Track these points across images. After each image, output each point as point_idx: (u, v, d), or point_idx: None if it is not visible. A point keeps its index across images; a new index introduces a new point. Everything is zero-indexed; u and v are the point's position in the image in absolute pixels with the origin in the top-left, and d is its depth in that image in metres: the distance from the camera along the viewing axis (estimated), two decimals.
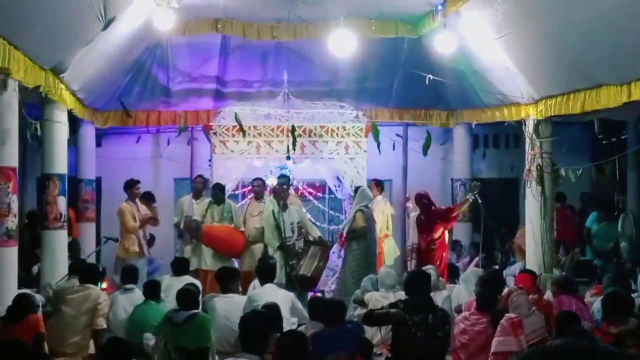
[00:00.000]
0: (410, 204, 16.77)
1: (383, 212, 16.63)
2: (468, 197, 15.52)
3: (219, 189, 15.61)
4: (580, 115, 13.37)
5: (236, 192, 17.92)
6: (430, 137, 16.23)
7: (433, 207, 15.36)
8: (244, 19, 16.68)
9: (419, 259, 15.02)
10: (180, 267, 12.68)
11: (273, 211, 14.49)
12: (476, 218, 17.70)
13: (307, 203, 18.59)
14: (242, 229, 15.22)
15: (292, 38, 17.14)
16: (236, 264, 15.02)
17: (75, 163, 18.19)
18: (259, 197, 15.60)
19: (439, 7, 14.90)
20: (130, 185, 15.91)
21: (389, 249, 16.67)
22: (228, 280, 11.04)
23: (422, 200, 15.33)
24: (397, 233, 19.65)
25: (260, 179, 15.93)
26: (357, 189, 15.52)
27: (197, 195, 16.04)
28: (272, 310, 9.44)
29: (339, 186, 17.50)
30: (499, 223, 19.13)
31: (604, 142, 15.87)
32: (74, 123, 16.67)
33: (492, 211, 18.09)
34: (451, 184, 19.79)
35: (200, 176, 16.70)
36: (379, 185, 16.89)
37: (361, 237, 14.69)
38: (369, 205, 15.33)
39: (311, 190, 19.07)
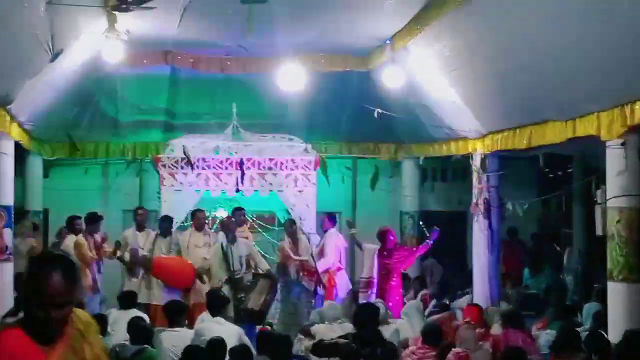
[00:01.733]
0: (355, 230, 16.83)
1: (335, 245, 16.60)
2: (352, 231, 15.84)
3: (166, 221, 15.51)
4: (527, 150, 13.49)
5: (185, 224, 17.78)
6: (378, 171, 16.33)
7: (398, 245, 15.66)
8: (194, 52, 16.64)
9: (379, 292, 15.18)
10: (127, 300, 12.55)
11: (222, 244, 14.42)
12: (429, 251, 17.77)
13: (256, 235, 18.53)
14: (190, 260, 15.11)
15: (241, 71, 17.14)
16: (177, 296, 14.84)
17: (22, 194, 17.96)
18: (200, 228, 15.52)
19: (388, 42, 14.98)
20: (70, 222, 15.76)
21: (341, 282, 16.61)
22: (175, 314, 10.94)
23: (389, 236, 15.58)
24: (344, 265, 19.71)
25: (202, 211, 15.85)
26: (288, 221, 15.75)
27: (140, 227, 15.91)
28: (217, 345, 9.37)
29: (288, 218, 17.48)
30: (448, 256, 19.23)
31: (550, 175, 16.03)
32: (21, 153, 16.51)
33: (440, 244, 18.20)
34: (400, 217, 19.80)
35: (141, 208, 16.61)
36: (331, 218, 16.81)
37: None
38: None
39: (260, 222, 19.02)
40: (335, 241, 16.66)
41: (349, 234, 16.63)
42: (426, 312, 14.69)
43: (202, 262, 14.95)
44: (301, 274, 15.39)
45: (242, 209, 16.36)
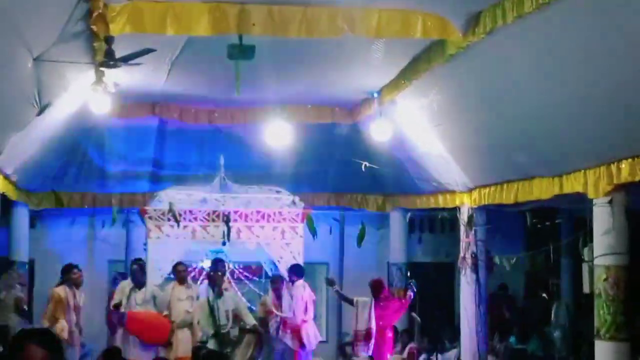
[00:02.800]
0: (337, 287, 16.76)
1: (302, 297, 16.36)
2: (334, 289, 15.86)
3: (139, 270, 15.32)
4: (514, 205, 13.51)
5: (171, 276, 17.65)
6: (365, 228, 16.35)
7: (389, 296, 15.65)
8: (181, 103, 16.65)
9: (376, 346, 15.14)
10: (111, 357, 12.36)
11: (208, 298, 14.32)
12: (411, 304, 17.67)
13: (243, 286, 18.44)
14: (166, 313, 14.96)
15: (229, 122, 17.16)
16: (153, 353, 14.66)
17: (8, 244, 17.85)
18: (183, 281, 15.42)
19: (375, 95, 15.01)
20: (67, 271, 15.64)
21: (308, 334, 16.35)
22: None
23: (383, 287, 15.59)
24: (332, 317, 19.65)
25: (183, 264, 15.76)
26: (275, 277, 15.62)
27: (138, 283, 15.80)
28: None
29: (275, 270, 17.37)
30: (435, 307, 19.13)
31: (538, 225, 16.02)
32: (7, 204, 16.43)
33: (428, 295, 18.12)
34: (387, 268, 19.73)
35: (141, 259, 16.48)
36: (298, 271, 16.52)
37: None
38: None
39: (247, 274, 18.92)
40: (302, 293, 16.44)
41: (334, 292, 16.49)
42: None
43: (184, 316, 14.83)
44: (281, 330, 15.21)
45: (222, 260, 16.29)
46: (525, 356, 15.36)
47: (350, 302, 15.78)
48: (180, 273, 15.47)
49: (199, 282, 16.81)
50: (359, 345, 15.43)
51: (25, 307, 15.95)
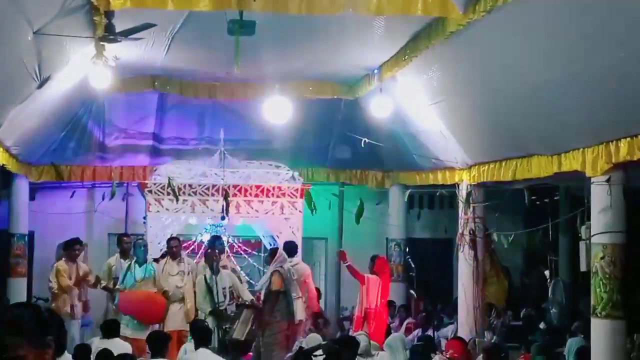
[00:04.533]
0: (351, 262, 16.59)
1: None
2: (346, 264, 15.76)
3: (142, 248, 15.25)
4: (512, 182, 13.55)
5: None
6: (363, 204, 16.37)
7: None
8: (182, 77, 16.67)
9: (380, 322, 15.18)
10: (110, 329, 12.45)
11: (205, 276, 14.34)
12: (409, 278, 17.75)
13: (242, 260, 18.52)
14: (166, 288, 14.93)
15: (229, 97, 17.20)
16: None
17: (8, 217, 17.90)
18: (175, 257, 15.36)
19: (375, 72, 15.02)
20: (69, 246, 15.74)
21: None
22: (159, 345, 10.90)
23: (387, 265, 15.72)
24: (330, 292, 19.76)
25: (177, 239, 15.71)
26: (272, 250, 15.45)
27: (125, 254, 15.84)
28: None
29: (274, 244, 17.40)
30: (433, 283, 19.24)
31: (537, 203, 16.06)
32: (7, 176, 16.48)
33: (426, 271, 18.22)
34: (386, 244, 19.78)
35: (127, 235, 16.55)
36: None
37: (279, 299, 14.58)
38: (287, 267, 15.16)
39: (246, 248, 18.98)
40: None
41: (345, 266, 16.40)
42: (409, 340, 14.70)
43: (175, 290, 14.85)
44: None
45: (220, 237, 16.33)
46: (522, 333, 15.41)
47: (362, 278, 15.68)
48: (172, 248, 15.39)
49: (197, 257, 16.84)
50: (369, 322, 15.39)
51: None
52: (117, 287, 14.96)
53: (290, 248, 15.76)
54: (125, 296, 14.71)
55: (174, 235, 16.11)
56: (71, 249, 15.77)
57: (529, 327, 15.72)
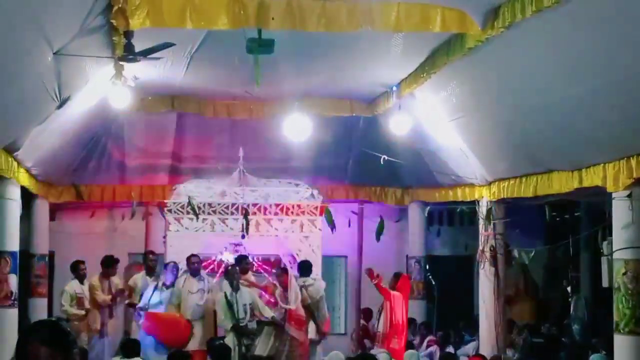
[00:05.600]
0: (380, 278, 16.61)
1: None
2: (375, 281, 15.69)
3: (173, 270, 15.23)
4: (533, 198, 13.51)
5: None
6: (383, 222, 16.33)
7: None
8: (201, 96, 16.72)
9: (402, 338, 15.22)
10: (130, 349, 12.45)
11: (225, 293, 14.32)
12: (430, 295, 17.72)
13: (262, 279, 18.48)
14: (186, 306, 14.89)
15: (247, 116, 17.22)
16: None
17: (28, 237, 17.94)
18: (195, 274, 15.35)
19: (394, 89, 15.02)
20: (74, 267, 15.81)
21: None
22: None
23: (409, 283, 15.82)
24: (351, 309, 19.75)
25: (197, 256, 15.69)
26: (283, 269, 15.51)
27: (151, 271, 15.88)
28: None
29: (294, 263, 17.37)
30: (454, 301, 19.16)
31: (557, 219, 16.01)
32: (28, 197, 16.54)
33: (446, 289, 18.17)
34: (406, 261, 19.72)
35: (153, 252, 16.57)
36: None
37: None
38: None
39: (266, 267, 18.94)
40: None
41: (373, 284, 16.36)
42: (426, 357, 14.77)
43: (195, 308, 14.84)
44: (287, 322, 15.01)
45: (247, 257, 16.28)
46: (545, 349, 15.34)
47: (388, 294, 15.66)
48: (193, 265, 15.39)
49: (217, 275, 16.82)
50: (396, 338, 15.38)
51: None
52: (140, 306, 14.94)
53: (304, 268, 15.75)
54: (150, 317, 14.68)
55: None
56: (78, 269, 15.82)
57: (553, 344, 15.62)
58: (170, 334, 14.54)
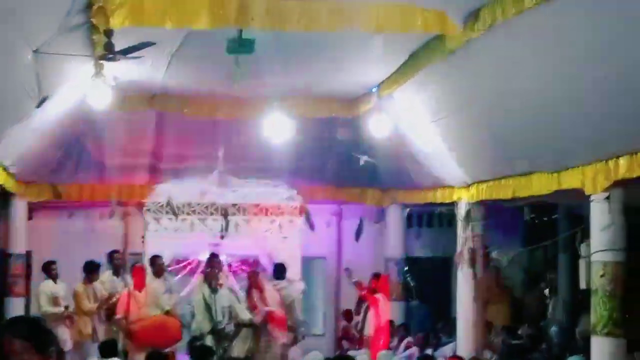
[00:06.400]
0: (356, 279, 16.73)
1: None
2: (353, 280, 15.82)
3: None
4: (512, 200, 13.55)
5: (169, 269, 17.66)
6: (362, 223, 16.33)
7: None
8: (181, 96, 16.65)
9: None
10: (108, 349, 12.41)
11: (204, 295, 14.28)
12: (408, 297, 17.74)
13: (240, 280, 18.44)
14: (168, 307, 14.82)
15: (228, 115, 17.16)
16: None
17: (5, 236, 17.85)
18: (159, 274, 15.31)
19: (374, 90, 15.02)
20: (46, 267, 15.74)
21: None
22: None
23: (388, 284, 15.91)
24: (329, 311, 19.74)
25: (159, 256, 15.63)
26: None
27: (117, 271, 15.82)
28: None
29: (272, 264, 17.36)
30: (432, 302, 19.20)
31: (536, 221, 16.06)
32: (5, 196, 16.45)
33: (425, 290, 18.21)
34: (385, 263, 19.70)
35: (117, 251, 16.48)
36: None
37: None
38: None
39: (244, 267, 18.88)
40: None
41: (352, 283, 16.40)
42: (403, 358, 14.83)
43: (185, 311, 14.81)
44: (269, 324, 14.99)
45: (217, 255, 16.17)
46: (522, 351, 15.37)
47: (374, 301, 15.70)
48: (157, 266, 15.32)
49: (195, 276, 16.76)
50: (379, 340, 15.48)
51: None
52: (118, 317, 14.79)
53: (279, 270, 15.77)
54: (137, 330, 14.47)
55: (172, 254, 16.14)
56: (49, 269, 15.71)
57: (533, 345, 15.66)
58: (162, 338, 14.31)
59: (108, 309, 15.46)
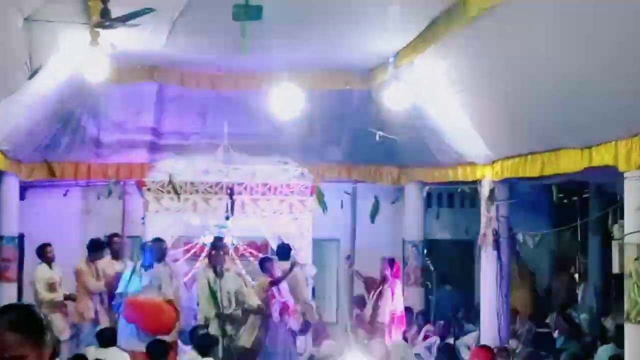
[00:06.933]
0: (356, 268, 16.77)
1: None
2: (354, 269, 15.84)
3: (154, 249, 15.18)
4: (539, 178, 13.49)
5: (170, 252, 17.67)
6: (378, 203, 16.28)
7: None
8: (183, 67, 16.64)
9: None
10: (106, 338, 12.46)
11: (208, 280, 14.28)
12: (433, 283, 17.76)
13: (247, 263, 18.45)
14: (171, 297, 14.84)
15: (233, 88, 17.15)
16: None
17: None
18: (117, 255, 15.44)
19: (390, 60, 14.95)
20: (41, 250, 15.85)
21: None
22: (159, 356, 10.90)
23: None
24: (343, 296, 19.74)
25: (118, 235, 15.79)
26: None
27: (116, 256, 15.87)
28: None
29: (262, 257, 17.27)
30: (453, 288, 19.20)
31: (565, 201, 16.00)
32: None
33: (445, 275, 18.20)
34: (402, 246, 19.68)
35: (117, 235, 16.53)
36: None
37: None
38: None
39: (252, 250, 18.90)
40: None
41: (352, 271, 16.42)
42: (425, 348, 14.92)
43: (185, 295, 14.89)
44: (286, 314, 14.99)
45: (222, 238, 16.12)
46: (550, 340, 15.39)
47: (366, 284, 15.70)
48: (115, 245, 15.44)
49: (198, 260, 16.78)
50: (396, 328, 15.49)
51: None
52: (118, 292, 14.89)
53: (282, 251, 15.79)
54: (130, 304, 14.58)
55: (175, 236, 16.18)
56: (45, 252, 15.80)
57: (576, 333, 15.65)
58: (152, 321, 14.39)
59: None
